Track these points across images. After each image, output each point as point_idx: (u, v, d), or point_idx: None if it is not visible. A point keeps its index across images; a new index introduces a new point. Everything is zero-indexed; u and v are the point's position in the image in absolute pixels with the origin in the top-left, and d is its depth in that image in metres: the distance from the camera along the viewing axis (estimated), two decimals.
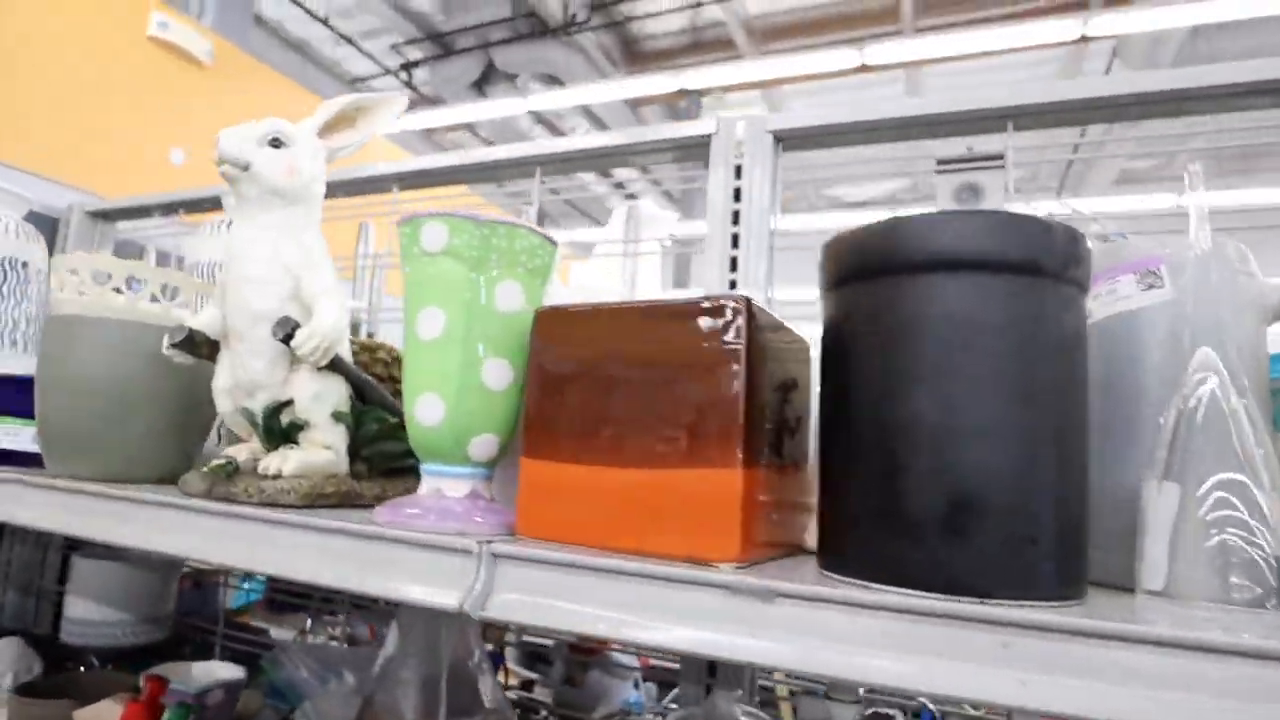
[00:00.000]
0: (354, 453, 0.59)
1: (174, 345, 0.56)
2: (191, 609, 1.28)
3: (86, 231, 1.40)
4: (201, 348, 0.57)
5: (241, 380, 0.56)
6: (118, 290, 0.63)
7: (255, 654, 1.18)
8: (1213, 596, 0.37)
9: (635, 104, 6.31)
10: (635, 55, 6.36)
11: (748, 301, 0.40)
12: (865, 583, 0.35)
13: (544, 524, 0.43)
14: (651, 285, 0.99)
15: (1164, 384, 0.43)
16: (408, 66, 6.31)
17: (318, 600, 1.28)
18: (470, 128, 7.02)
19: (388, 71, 6.40)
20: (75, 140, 2.68)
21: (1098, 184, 5.77)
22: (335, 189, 1.14)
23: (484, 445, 0.47)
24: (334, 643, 1.07)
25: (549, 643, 1.25)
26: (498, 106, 5.47)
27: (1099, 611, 0.34)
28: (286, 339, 0.53)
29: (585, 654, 1.19)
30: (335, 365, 0.56)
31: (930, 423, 0.34)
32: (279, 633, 1.34)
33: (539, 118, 6.64)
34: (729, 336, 0.39)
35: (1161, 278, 0.44)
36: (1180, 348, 0.40)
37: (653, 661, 1.25)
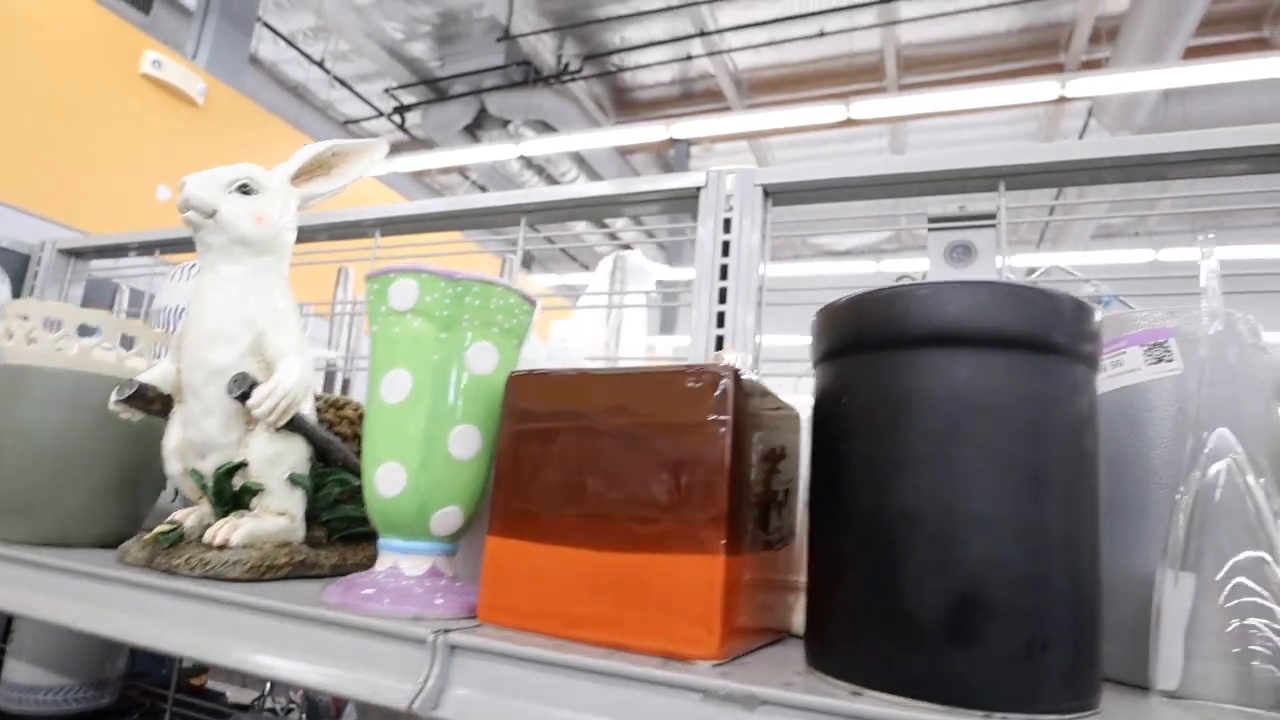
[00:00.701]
0: (313, 517, 0.55)
1: (122, 400, 0.53)
2: (146, 668, 1.21)
3: (59, 269, 1.37)
4: (154, 403, 0.54)
5: (193, 439, 0.52)
6: (71, 338, 0.59)
7: None
8: (1233, 696, 0.34)
9: (625, 151, 6.39)
10: (626, 104, 6.47)
11: (735, 371, 0.37)
12: (857, 687, 0.32)
13: (509, 610, 0.40)
14: (638, 337, 0.97)
15: (1172, 464, 0.41)
16: (401, 110, 6.38)
17: None
18: (461, 171, 7.08)
19: (381, 114, 6.46)
20: (64, 175, 2.65)
21: (1078, 239, 5.87)
22: (315, 232, 1.12)
23: (447, 519, 0.44)
24: (292, 710, 1.01)
25: None
26: (488, 151, 5.52)
27: None
28: (243, 397, 0.49)
29: None
30: (296, 425, 0.52)
31: (932, 511, 0.31)
32: (236, 694, 1.27)
33: (529, 162, 6.71)
34: (714, 409, 0.36)
35: (1171, 351, 0.42)
36: (1190, 426, 0.38)
37: None
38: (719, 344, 0.81)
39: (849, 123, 4.28)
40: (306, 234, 1.13)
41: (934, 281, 0.34)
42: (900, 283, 0.40)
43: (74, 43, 2.70)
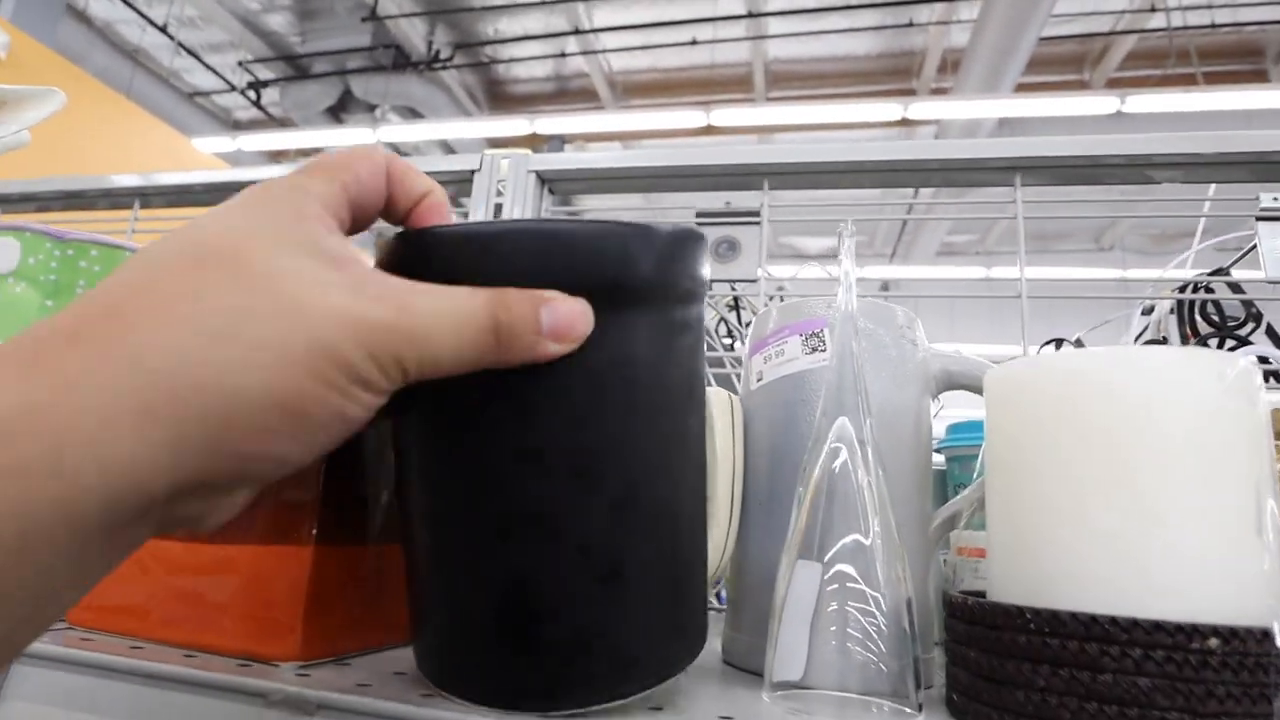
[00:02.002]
0: None
1: None
2: None
3: None
4: None
5: None
6: None
7: None
8: (841, 682, 0.34)
9: (494, 144, 6.27)
10: (500, 97, 6.34)
11: None
12: (434, 690, 0.29)
13: (94, 609, 0.35)
14: None
15: None
16: (257, 85, 5.98)
17: None
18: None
19: (234, 88, 6.02)
20: None
21: (923, 254, 6.30)
22: (72, 198, 1.00)
23: None
24: None
25: None
26: (347, 134, 5.27)
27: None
28: None
29: None
30: None
31: (473, 493, 0.27)
32: None
33: (397, 150, 6.45)
34: None
35: (824, 341, 0.43)
36: (826, 423, 0.38)
37: None
38: None
39: (710, 129, 4.39)
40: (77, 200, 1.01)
41: (468, 222, 0.28)
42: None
43: None
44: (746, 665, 0.41)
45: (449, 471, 0.28)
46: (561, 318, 0.25)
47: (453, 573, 0.29)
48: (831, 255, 0.39)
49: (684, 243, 0.29)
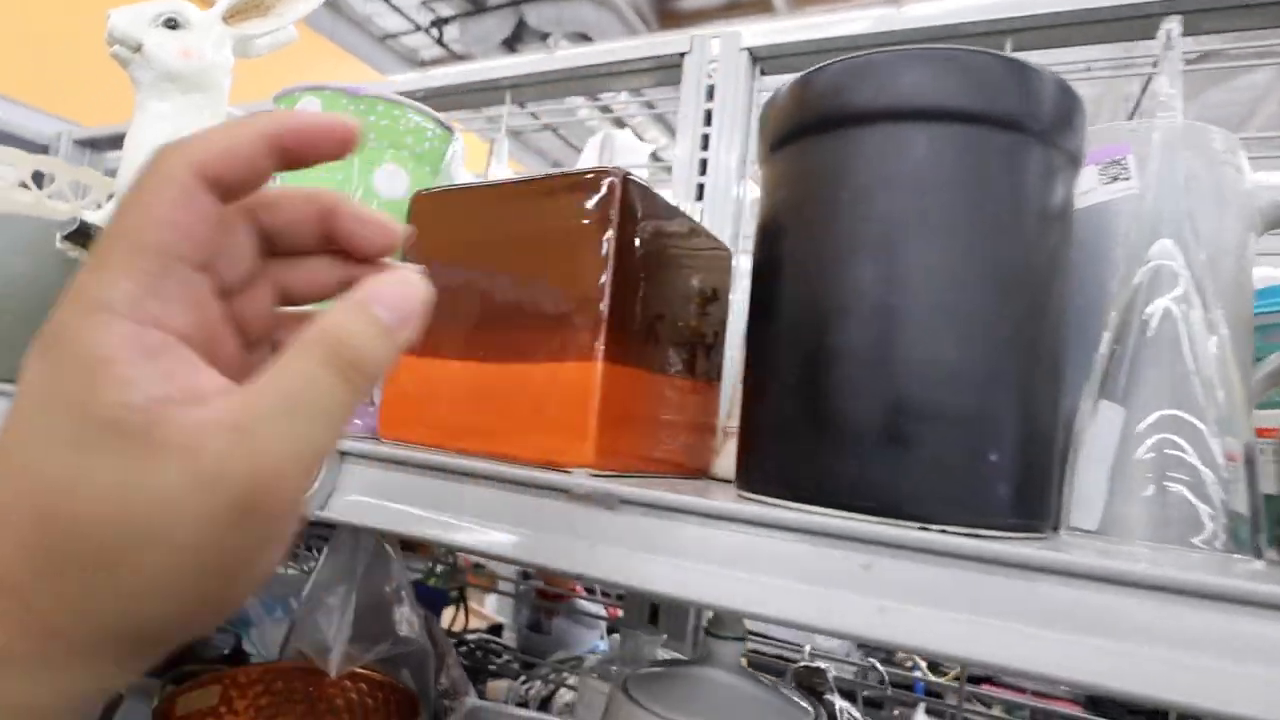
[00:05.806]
0: None
1: (66, 238, 0.53)
2: None
3: (75, 160, 1.39)
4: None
5: None
6: (25, 186, 0.60)
7: None
8: (1150, 533, 0.31)
9: None
10: (669, 14, 6.19)
11: (625, 177, 0.34)
12: (784, 502, 0.28)
13: (405, 424, 0.39)
14: None
15: None
16: (439, 23, 6.25)
17: None
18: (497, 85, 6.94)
19: (419, 28, 6.33)
20: (83, 77, 2.65)
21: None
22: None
23: None
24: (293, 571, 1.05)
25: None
26: (521, 63, 5.35)
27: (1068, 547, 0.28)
28: None
29: (552, 600, 1.17)
30: None
31: (871, 304, 0.28)
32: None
33: None
34: (598, 213, 0.34)
35: (1128, 169, 0.38)
36: (1142, 247, 0.34)
37: (620, 612, 1.21)
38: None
39: None
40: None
41: (890, 50, 0.29)
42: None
43: None
44: None
45: (855, 272, 0.29)
46: (392, 301, 0.20)
47: (835, 375, 0.28)
48: None
49: (1068, 96, 0.30)
